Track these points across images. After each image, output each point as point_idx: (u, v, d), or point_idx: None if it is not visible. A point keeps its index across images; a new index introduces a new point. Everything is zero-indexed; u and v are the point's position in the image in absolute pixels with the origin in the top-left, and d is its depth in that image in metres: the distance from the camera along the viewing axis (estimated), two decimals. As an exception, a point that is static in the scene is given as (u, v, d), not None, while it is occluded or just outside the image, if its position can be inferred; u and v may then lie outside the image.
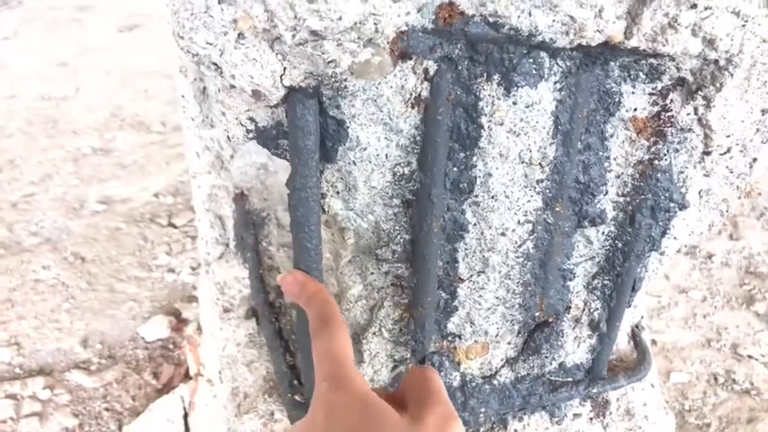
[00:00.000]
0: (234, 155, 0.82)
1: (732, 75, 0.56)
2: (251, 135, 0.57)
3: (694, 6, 0.49)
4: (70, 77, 2.96)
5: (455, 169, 0.59)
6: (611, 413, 0.82)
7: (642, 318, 0.83)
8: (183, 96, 0.81)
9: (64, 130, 2.49)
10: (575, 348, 0.74)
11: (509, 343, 0.72)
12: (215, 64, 0.48)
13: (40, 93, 2.80)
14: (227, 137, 0.59)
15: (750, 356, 1.52)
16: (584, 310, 0.72)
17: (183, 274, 1.75)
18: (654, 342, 1.57)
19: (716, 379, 1.47)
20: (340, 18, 0.44)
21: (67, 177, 2.18)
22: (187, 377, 1.36)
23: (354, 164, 0.58)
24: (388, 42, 0.48)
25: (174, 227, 1.94)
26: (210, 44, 0.47)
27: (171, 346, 1.52)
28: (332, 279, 0.71)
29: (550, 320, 0.71)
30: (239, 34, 0.46)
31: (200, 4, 0.44)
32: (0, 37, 3.43)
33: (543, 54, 0.54)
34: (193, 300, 1.66)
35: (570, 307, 0.72)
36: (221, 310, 0.93)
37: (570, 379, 0.75)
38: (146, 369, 1.45)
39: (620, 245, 0.68)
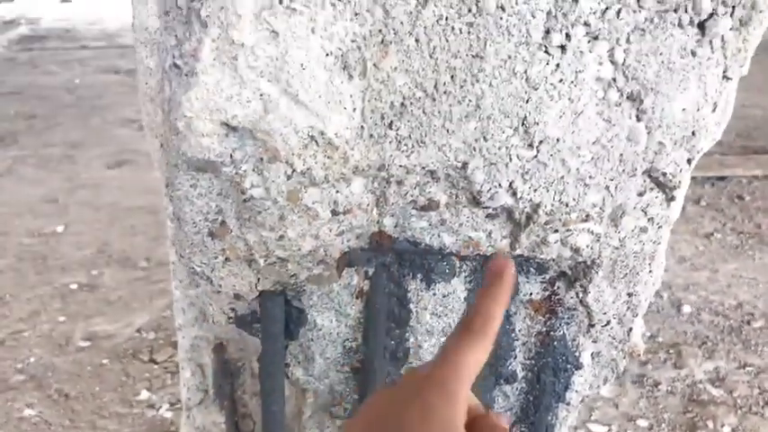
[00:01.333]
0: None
1: (597, 271, 0.74)
2: (231, 321, 0.74)
3: (557, 231, 0.68)
4: (61, 214, 3.13)
5: (392, 342, 0.75)
6: None
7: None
8: (173, 263, 0.97)
9: (53, 267, 2.63)
10: (501, 486, 0.88)
11: (445, 483, 0.85)
12: (207, 277, 0.66)
13: (31, 229, 2.96)
14: (212, 321, 0.76)
15: (693, 483, 1.63)
16: (506, 452, 0.86)
17: (162, 410, 1.84)
18: (604, 470, 1.68)
19: (662, 506, 1.57)
20: (299, 249, 0.62)
21: (54, 314, 2.30)
22: None
23: (312, 340, 0.74)
24: (335, 260, 0.66)
25: (155, 362, 2.05)
26: (204, 264, 0.64)
27: (149, 483, 1.59)
28: (295, 430, 0.85)
29: (479, 462, 0.85)
30: (226, 258, 0.63)
31: (199, 239, 0.62)
32: (-5, 174, 3.63)
33: (454, 258, 0.72)
34: (171, 435, 1.75)
35: (495, 450, 0.86)
36: (201, 452, 1.05)
37: None
38: (124, 506, 1.52)
39: (531, 398, 0.84)
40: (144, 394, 1.90)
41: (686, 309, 2.40)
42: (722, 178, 3.62)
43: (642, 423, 1.84)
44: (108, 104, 5.18)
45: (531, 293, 0.77)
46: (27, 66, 6.31)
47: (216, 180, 0.58)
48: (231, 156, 0.56)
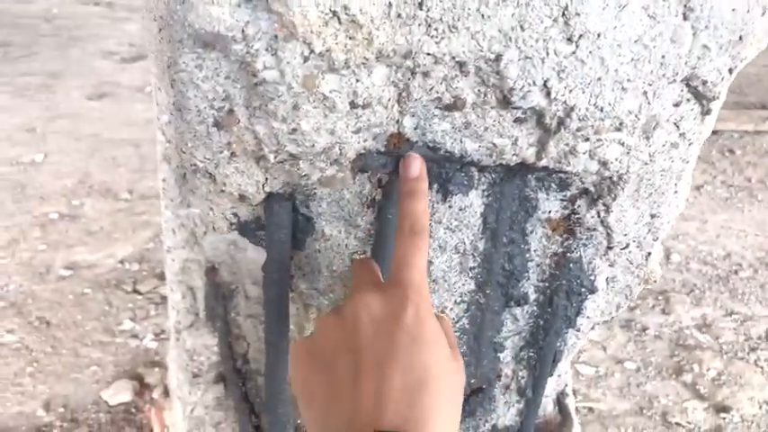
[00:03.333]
0: (207, 232, 0.92)
1: (623, 188, 0.70)
2: (234, 227, 0.69)
3: (588, 139, 0.64)
4: (39, 143, 3.03)
5: (403, 258, 0.71)
6: (540, 472, 0.93)
7: (567, 386, 0.95)
8: (163, 180, 0.92)
9: (31, 196, 2.55)
10: (505, 412, 0.86)
11: (448, 406, 0.83)
12: (210, 174, 0.60)
13: (8, 157, 2.86)
14: (213, 228, 0.71)
15: (678, 423, 1.65)
16: (512, 378, 0.84)
17: (146, 340, 1.81)
18: (591, 410, 1.69)
19: (647, 445, 1.58)
20: (313, 146, 0.57)
21: (34, 242, 2.24)
22: (150, 440, 1.41)
23: (319, 251, 0.70)
24: (349, 162, 0.61)
25: (139, 293, 2.00)
26: (208, 159, 0.59)
27: (133, 410, 1.57)
28: (296, 348, 0.81)
29: (484, 387, 0.83)
30: (232, 153, 0.58)
31: (203, 130, 0.57)
32: (-31, 101, 3.50)
33: (473, 169, 0.68)
34: (156, 365, 1.72)
35: (501, 375, 0.83)
36: (191, 375, 1.01)
37: (502, 439, 0.86)
38: (108, 433, 1.50)
39: (541, 322, 0.81)
40: (127, 324, 1.86)
41: (675, 257, 2.40)
42: (714, 132, 3.59)
43: (630, 365, 1.85)
44: (87, 35, 5.00)
45: (549, 211, 0.73)
46: (1, -8, 6.04)
47: (224, 61, 0.53)
48: (243, 31, 0.50)
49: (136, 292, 2.01)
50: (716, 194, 2.93)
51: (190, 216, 0.94)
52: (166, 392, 1.50)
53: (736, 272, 2.32)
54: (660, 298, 2.15)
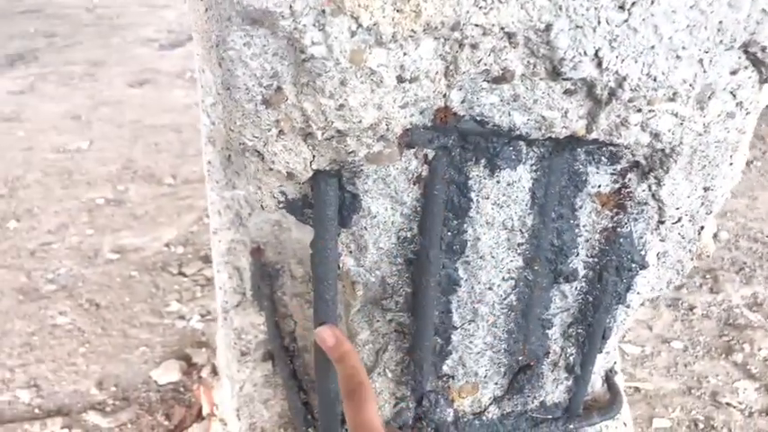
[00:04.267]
0: (252, 212, 0.93)
1: (676, 160, 0.68)
2: (281, 205, 0.69)
3: (640, 110, 0.62)
4: (84, 131, 3.10)
5: (449, 234, 0.71)
6: (588, 449, 0.92)
7: (615, 363, 0.94)
8: (209, 162, 0.93)
9: (78, 182, 2.61)
10: (553, 389, 0.85)
11: (496, 383, 0.83)
12: (258, 152, 0.61)
13: (55, 145, 2.94)
14: (261, 206, 0.71)
15: (728, 404, 1.62)
16: (561, 355, 0.83)
17: (192, 321, 1.85)
18: (637, 389, 1.66)
19: (696, 425, 1.56)
20: (360, 121, 0.57)
21: (82, 227, 2.30)
22: (199, 417, 1.44)
23: (366, 229, 0.70)
24: (396, 137, 0.61)
25: (185, 275, 2.04)
26: (257, 137, 0.59)
27: (182, 389, 1.60)
28: (342, 326, 0.82)
29: (532, 364, 0.82)
30: (280, 131, 0.58)
31: (251, 108, 0.57)
32: (17, 91, 3.59)
33: (521, 143, 0.67)
34: (203, 345, 1.76)
35: (549, 352, 0.82)
36: (239, 353, 1.03)
37: (550, 416, 0.85)
38: (158, 410, 1.54)
39: (590, 299, 0.79)
40: (174, 305, 1.90)
41: (724, 235, 2.34)
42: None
43: (677, 345, 1.82)
44: (127, 24, 5.09)
45: (599, 186, 0.72)
46: (44, -17, 6.17)
47: (272, 38, 0.53)
48: (291, 6, 0.50)
49: (181, 274, 2.05)
50: (766, 170, 2.84)
51: (235, 197, 0.95)
52: (214, 371, 1.54)
53: (787, 249, 2.25)
54: (708, 276, 2.10)
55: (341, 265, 0.74)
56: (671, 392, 1.66)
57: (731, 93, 0.65)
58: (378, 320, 0.78)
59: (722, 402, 1.62)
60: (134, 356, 1.72)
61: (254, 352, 1.02)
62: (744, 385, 1.67)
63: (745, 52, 0.62)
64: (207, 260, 2.03)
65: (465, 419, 0.83)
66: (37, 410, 1.53)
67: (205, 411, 1.36)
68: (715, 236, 2.33)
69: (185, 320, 1.85)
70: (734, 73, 0.63)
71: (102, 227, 2.31)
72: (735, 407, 1.61)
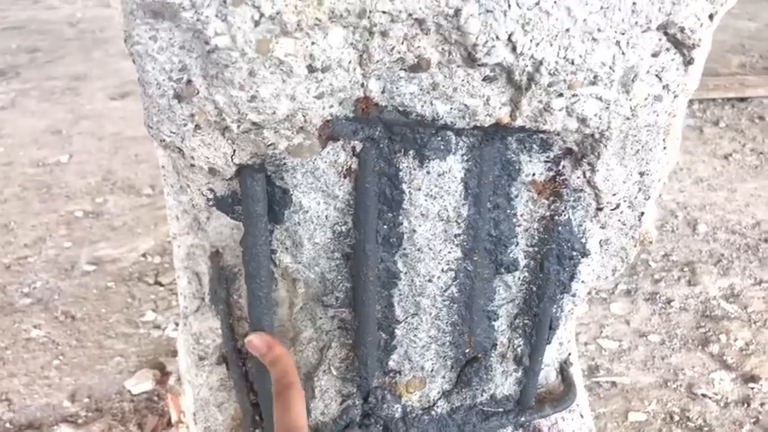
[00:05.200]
0: (210, 217, 0.93)
1: (606, 146, 0.68)
2: (211, 203, 0.69)
3: (562, 95, 0.62)
4: (64, 144, 3.09)
5: (385, 227, 0.70)
6: (546, 442, 0.91)
7: (569, 354, 0.93)
8: (163, 166, 0.92)
9: (57, 195, 2.60)
10: (503, 381, 0.84)
11: (444, 377, 0.82)
12: (178, 148, 0.60)
13: (35, 159, 2.93)
14: (192, 204, 0.71)
15: (704, 395, 1.61)
16: (508, 346, 0.83)
17: (168, 330, 1.84)
18: (614, 384, 1.66)
19: (671, 417, 1.55)
20: (274, 113, 0.56)
21: (60, 240, 2.29)
22: (170, 425, 1.43)
23: (299, 224, 0.69)
24: (316, 129, 0.60)
25: (161, 285, 2.03)
26: (174, 133, 0.59)
27: (155, 398, 1.59)
28: (287, 324, 0.81)
29: (479, 356, 0.82)
30: (196, 125, 0.58)
31: (165, 104, 0.57)
32: (-2, 107, 3.59)
33: (449, 133, 0.66)
34: (177, 354, 1.75)
35: (496, 344, 0.82)
36: (197, 358, 1.02)
37: (501, 409, 0.85)
38: (131, 420, 1.53)
39: (534, 288, 0.79)
40: (149, 315, 1.89)
41: (702, 228, 2.34)
42: (743, 99, 3.49)
43: (654, 338, 1.81)
44: (110, 38, 5.08)
45: (533, 174, 0.72)
46: (28, 1, 6.19)
47: (177, 30, 0.52)
48: (191, -2, 0.49)
49: (158, 283, 2.04)
50: (745, 162, 2.84)
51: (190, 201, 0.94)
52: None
53: (766, 240, 2.25)
54: (686, 269, 2.10)
55: (277, 263, 0.73)
56: (647, 386, 1.65)
57: (656, 76, 0.64)
58: (320, 317, 0.77)
59: (698, 394, 1.61)
60: (108, 367, 1.71)
61: (210, 356, 1.02)
62: (720, 376, 1.66)
63: (665, 34, 0.62)
64: (183, 269, 2.02)
65: (413, 415, 0.82)
66: (8, 425, 1.52)
67: (174, 419, 1.35)
68: (693, 229, 2.33)
69: (161, 329, 1.84)
70: (655, 55, 0.62)
71: (80, 239, 2.30)
72: (710, 398, 1.60)
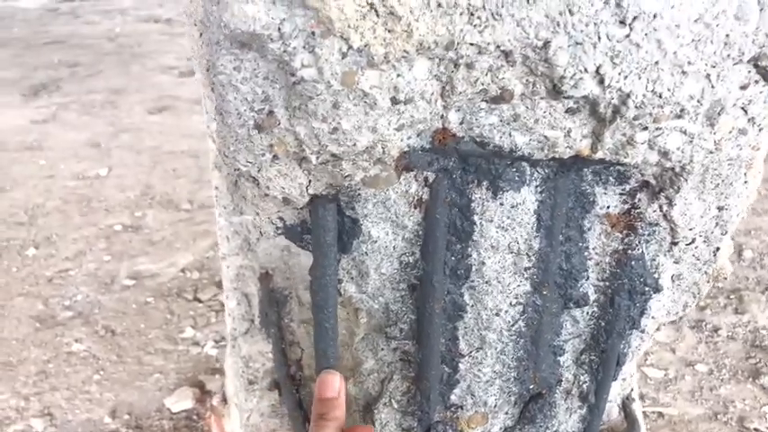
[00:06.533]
0: (260, 238, 0.92)
1: (687, 179, 0.66)
2: (280, 231, 0.68)
3: (646, 128, 0.60)
4: (104, 158, 3.14)
5: (453, 258, 0.69)
6: (607, 481, 0.88)
7: (632, 390, 0.90)
8: (216, 188, 0.92)
9: (97, 209, 2.63)
10: (567, 418, 0.82)
11: (506, 413, 0.80)
12: (253, 177, 0.60)
13: (75, 172, 2.97)
14: (260, 232, 0.70)
15: (756, 429, 1.56)
16: (574, 383, 0.80)
17: (207, 347, 1.84)
18: (661, 415, 1.61)
19: (723, 452, 1.50)
20: (355, 144, 0.55)
21: (100, 254, 2.31)
22: (211, 447, 1.42)
23: (367, 254, 0.68)
24: (393, 160, 0.59)
25: (200, 301, 2.04)
26: (251, 163, 0.58)
27: (195, 417, 1.59)
28: (347, 354, 0.80)
29: (544, 392, 0.79)
30: (274, 156, 0.57)
31: (244, 133, 0.56)
32: (40, 120, 3.66)
33: (525, 164, 0.65)
34: (217, 372, 1.74)
35: (561, 380, 0.79)
36: (246, 382, 1.01)
37: (564, 447, 0.82)
38: (171, 439, 1.52)
39: (603, 324, 0.77)
40: (189, 332, 1.89)
41: (748, 254, 2.28)
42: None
43: (701, 368, 1.76)
44: (148, 52, 5.17)
45: (608, 206, 0.69)
46: (69, 16, 6.34)
47: (262, 61, 0.52)
48: (279, 29, 0.49)
49: (197, 300, 2.05)
50: (791, 187, 2.77)
51: (243, 223, 0.94)
52: (225, 399, 1.52)
53: (815, 268, 2.19)
54: (732, 297, 2.04)
55: (342, 292, 0.72)
56: (696, 418, 1.60)
57: (742, 108, 0.62)
58: (382, 349, 0.75)
59: (750, 428, 1.56)
60: (148, 384, 1.71)
61: (261, 380, 1.01)
62: (773, 410, 1.61)
63: (755, 66, 0.59)
64: (222, 285, 2.02)
65: (475, 450, 0.80)
66: (50, 440, 1.53)
67: (216, 440, 1.34)
68: (739, 255, 2.27)
69: (200, 346, 1.84)
70: (744, 88, 0.60)
71: (119, 253, 2.32)
72: (764, 433, 1.55)
